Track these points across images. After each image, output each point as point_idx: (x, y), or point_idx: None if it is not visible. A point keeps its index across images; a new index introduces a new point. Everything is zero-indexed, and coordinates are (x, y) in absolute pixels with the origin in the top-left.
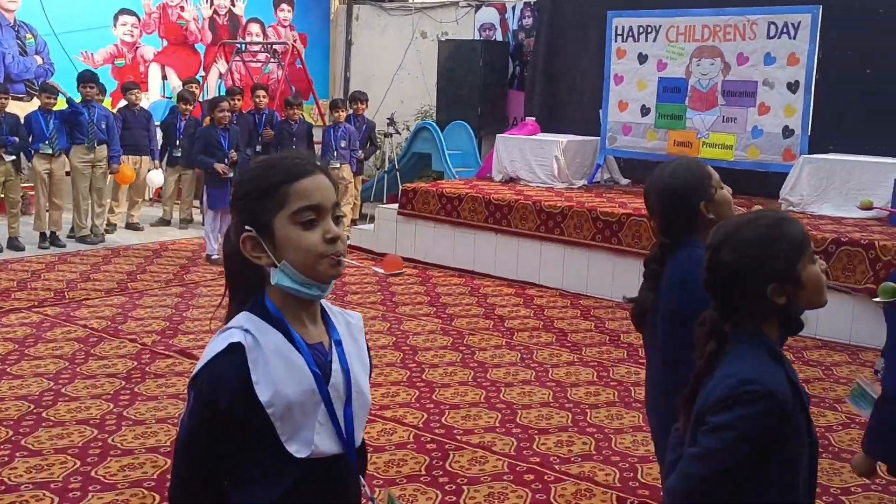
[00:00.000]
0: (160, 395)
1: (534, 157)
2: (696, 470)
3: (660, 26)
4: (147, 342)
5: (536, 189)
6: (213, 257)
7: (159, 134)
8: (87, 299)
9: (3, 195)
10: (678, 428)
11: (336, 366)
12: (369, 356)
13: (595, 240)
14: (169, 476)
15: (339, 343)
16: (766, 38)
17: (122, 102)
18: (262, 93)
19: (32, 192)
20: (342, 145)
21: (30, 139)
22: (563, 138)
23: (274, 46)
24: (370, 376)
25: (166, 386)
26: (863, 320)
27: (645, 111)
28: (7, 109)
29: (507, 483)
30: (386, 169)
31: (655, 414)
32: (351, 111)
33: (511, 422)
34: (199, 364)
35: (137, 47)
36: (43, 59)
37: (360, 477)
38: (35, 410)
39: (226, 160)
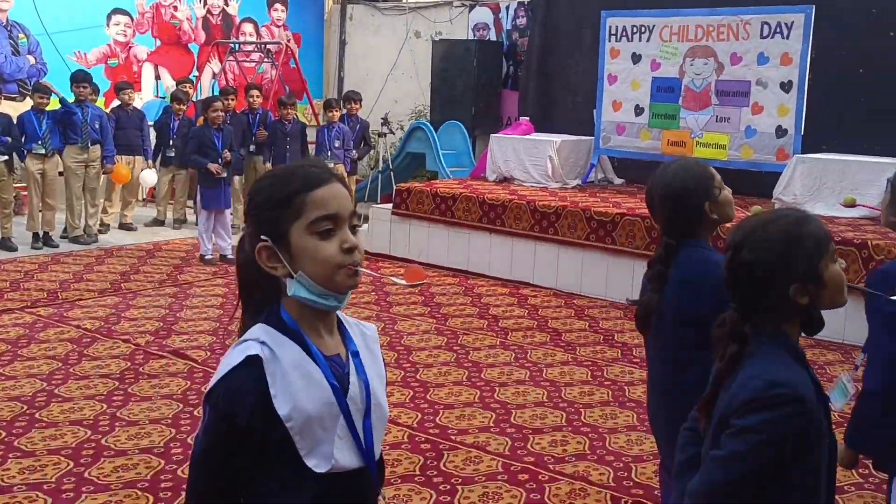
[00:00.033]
0: (154, 395)
1: (528, 157)
2: (721, 473)
3: (653, 26)
4: (140, 343)
5: (530, 189)
6: (206, 257)
7: (152, 134)
8: (81, 300)
9: None
10: (686, 428)
11: (354, 378)
12: (385, 367)
13: (589, 239)
14: (162, 477)
15: (356, 354)
16: (760, 38)
17: (116, 102)
18: (255, 93)
19: (25, 193)
20: (336, 145)
21: (22, 139)
22: (556, 138)
23: (268, 46)
24: (386, 387)
25: (160, 387)
26: (856, 319)
27: (639, 111)
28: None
29: (501, 483)
30: (380, 169)
31: (658, 415)
32: (345, 111)
33: (505, 421)
34: (215, 378)
35: (131, 47)
36: (36, 59)
37: (381, 490)
38: (28, 411)
39: (219, 160)
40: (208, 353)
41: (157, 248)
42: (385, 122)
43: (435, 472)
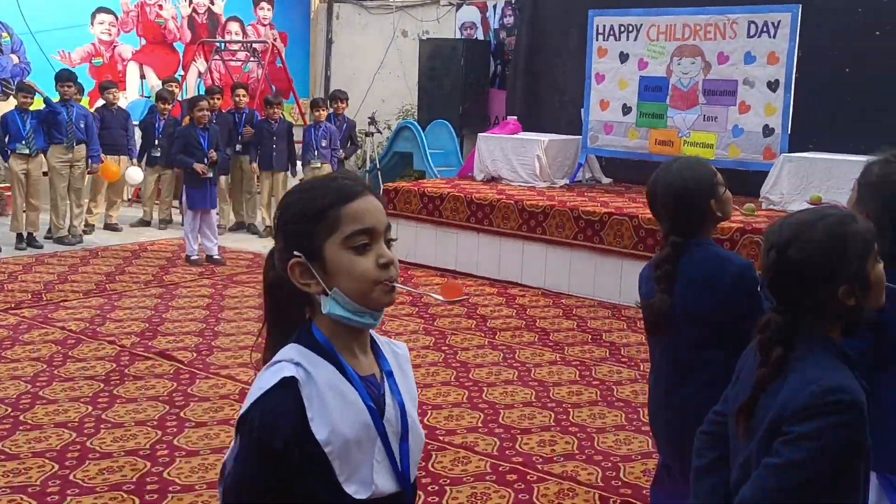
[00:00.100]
0: (139, 397)
1: (515, 157)
2: (776, 481)
3: (641, 25)
4: (126, 344)
5: (518, 188)
6: (192, 258)
7: (138, 133)
8: (65, 301)
9: None
10: (703, 432)
11: (389, 399)
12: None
13: (577, 239)
14: (148, 479)
15: (390, 374)
16: (747, 37)
17: (100, 102)
18: (241, 92)
19: (9, 193)
20: (323, 144)
21: (6, 139)
22: (544, 137)
23: (254, 45)
24: (417, 408)
25: (146, 388)
26: None
27: (626, 110)
28: None
29: (489, 483)
30: (367, 168)
31: (659, 415)
32: (332, 110)
33: (493, 422)
34: (248, 402)
35: (115, 46)
36: (19, 58)
37: None
38: (12, 413)
39: (205, 160)
40: (194, 355)
41: (143, 248)
42: (372, 121)
43: (423, 473)
